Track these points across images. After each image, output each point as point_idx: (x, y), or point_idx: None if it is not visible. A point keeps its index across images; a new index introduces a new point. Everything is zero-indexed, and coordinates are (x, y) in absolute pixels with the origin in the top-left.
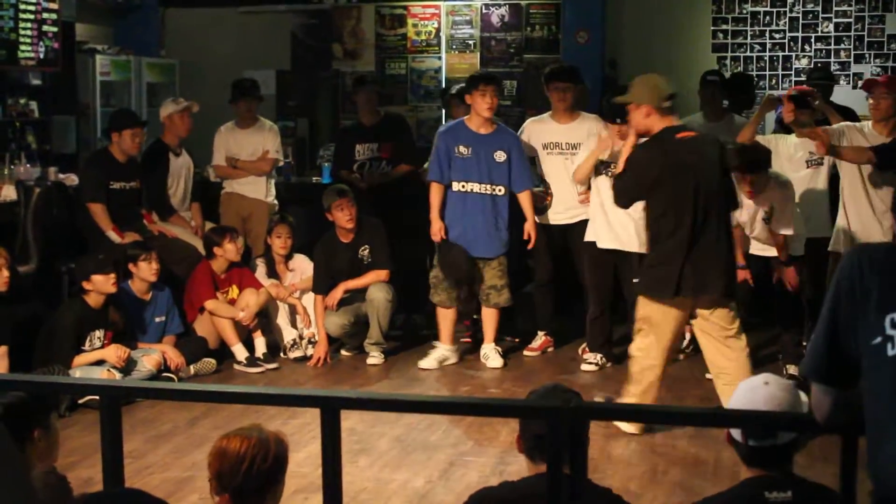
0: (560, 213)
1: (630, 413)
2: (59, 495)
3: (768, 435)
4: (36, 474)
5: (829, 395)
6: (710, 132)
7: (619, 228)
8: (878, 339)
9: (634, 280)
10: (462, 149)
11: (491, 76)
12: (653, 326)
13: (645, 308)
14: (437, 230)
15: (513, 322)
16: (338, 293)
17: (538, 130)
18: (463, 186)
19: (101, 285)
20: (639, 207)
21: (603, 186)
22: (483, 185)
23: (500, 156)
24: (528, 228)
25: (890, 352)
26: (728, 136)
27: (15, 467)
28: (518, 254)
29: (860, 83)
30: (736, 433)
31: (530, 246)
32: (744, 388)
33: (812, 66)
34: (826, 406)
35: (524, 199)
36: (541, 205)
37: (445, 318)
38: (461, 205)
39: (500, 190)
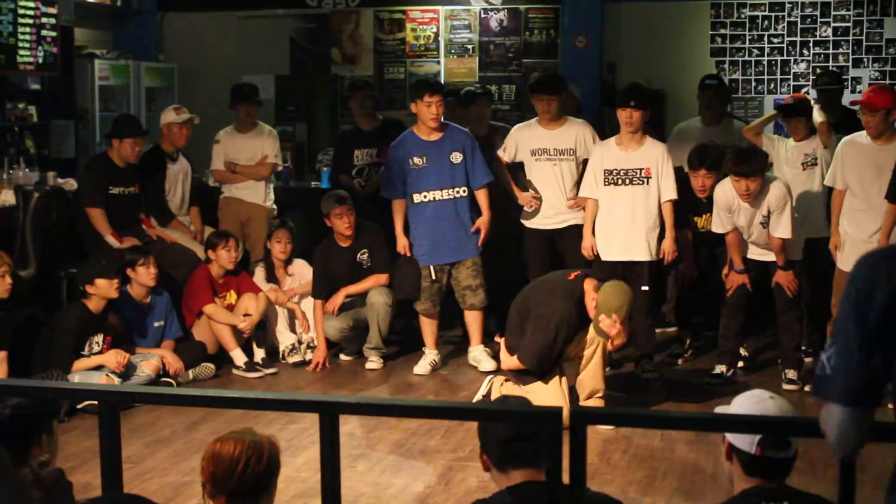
0: (549, 218)
1: (629, 418)
2: (63, 499)
3: (784, 446)
4: (43, 475)
5: (854, 417)
6: (709, 136)
7: (627, 238)
8: None
9: (643, 287)
10: (416, 160)
11: (436, 85)
12: None
13: None
14: (401, 246)
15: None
16: (339, 298)
17: (526, 137)
18: (424, 196)
19: (104, 290)
20: (653, 214)
21: (609, 196)
22: (444, 191)
23: (457, 157)
24: (481, 223)
25: None
26: (726, 139)
27: (9, 475)
28: (499, 251)
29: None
30: (742, 442)
31: (479, 242)
32: (750, 401)
33: (811, 70)
34: (852, 429)
35: (482, 195)
36: (530, 209)
37: (429, 325)
38: (424, 214)
39: (462, 192)
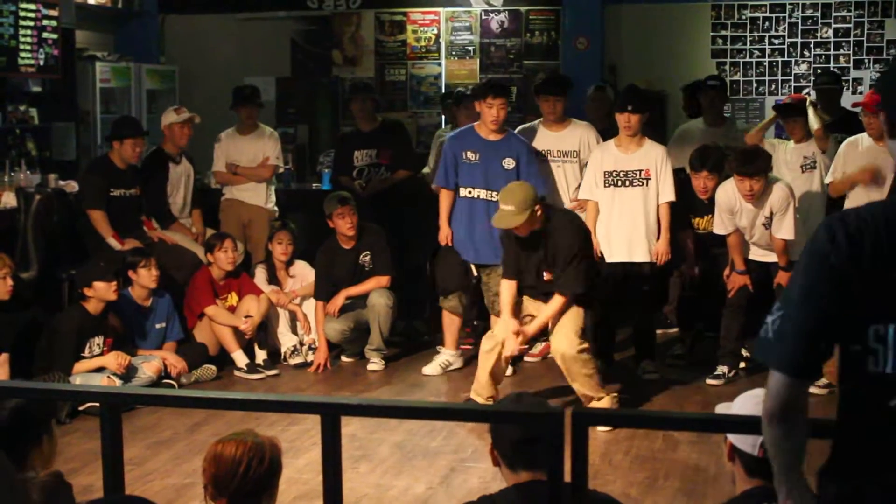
0: None
1: (632, 419)
2: (63, 501)
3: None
4: (41, 479)
5: (802, 390)
6: (712, 137)
7: (628, 240)
8: (857, 347)
9: (644, 288)
10: (470, 154)
11: (501, 88)
12: None
13: None
14: (444, 236)
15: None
16: (339, 300)
17: (529, 138)
18: (469, 192)
19: (102, 292)
20: (653, 216)
21: (609, 198)
22: (489, 192)
23: (509, 163)
24: None
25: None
26: (728, 141)
27: (9, 478)
28: None
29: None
30: (744, 444)
31: None
32: (751, 401)
33: (812, 71)
34: (799, 401)
35: None
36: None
37: (452, 323)
38: (467, 210)
39: None
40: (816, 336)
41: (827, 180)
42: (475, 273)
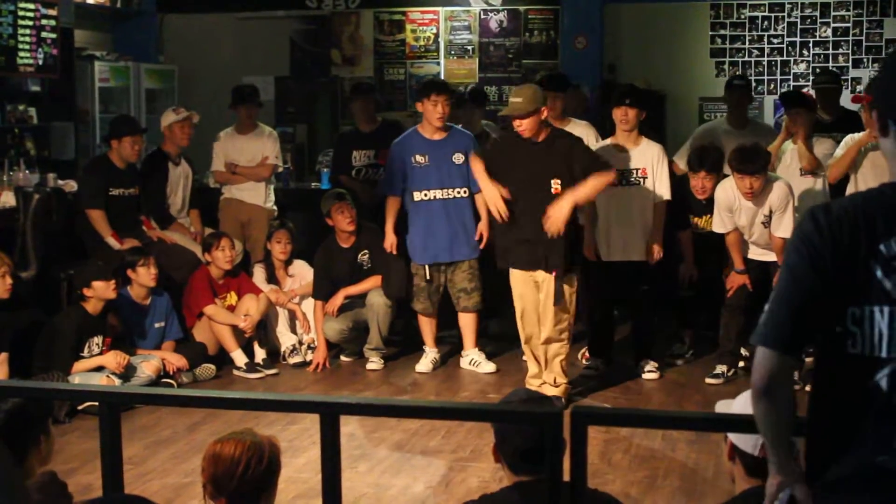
0: None
1: (631, 418)
2: (61, 501)
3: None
4: (37, 479)
5: (786, 364)
6: (736, 138)
7: (625, 239)
8: (838, 329)
9: (644, 287)
10: (419, 157)
11: (443, 85)
12: None
13: None
14: (390, 244)
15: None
16: (338, 299)
17: None
18: (424, 195)
19: (101, 292)
20: (650, 214)
21: (608, 197)
22: (444, 191)
23: (458, 158)
24: (481, 228)
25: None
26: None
27: (8, 472)
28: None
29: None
30: (744, 443)
31: (482, 246)
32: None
33: (811, 70)
34: (783, 375)
35: (480, 199)
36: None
37: (428, 324)
38: (425, 213)
39: (461, 192)
40: (801, 314)
41: (829, 177)
42: (427, 276)
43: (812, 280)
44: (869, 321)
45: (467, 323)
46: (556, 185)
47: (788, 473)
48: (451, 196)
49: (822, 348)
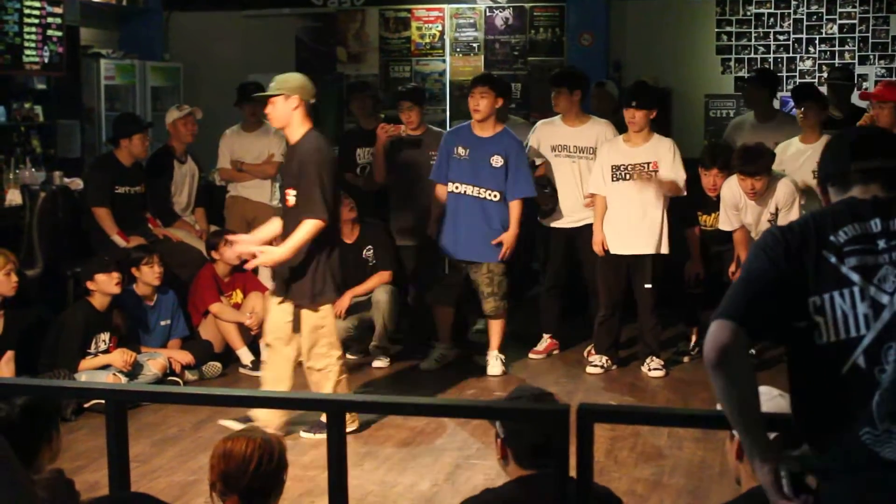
0: (568, 217)
1: (637, 416)
2: (67, 498)
3: (794, 445)
4: (44, 477)
5: (739, 336)
6: (761, 132)
7: (634, 233)
8: (802, 324)
9: (647, 286)
10: (461, 150)
11: (484, 77)
12: None
13: None
14: (432, 232)
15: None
16: (345, 301)
17: (548, 132)
18: (456, 188)
19: (104, 285)
20: (659, 208)
21: (617, 192)
22: (475, 189)
23: (497, 160)
24: (505, 238)
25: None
26: (779, 137)
27: (13, 470)
28: (522, 257)
29: (860, 92)
30: None
31: (500, 256)
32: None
33: (817, 67)
34: (736, 347)
35: (514, 207)
36: (546, 207)
37: (444, 317)
38: (454, 205)
39: (492, 195)
40: (756, 293)
41: None
42: (447, 268)
43: (766, 265)
44: (830, 306)
45: (492, 326)
46: (289, 194)
47: (772, 453)
48: (480, 196)
49: (794, 350)
